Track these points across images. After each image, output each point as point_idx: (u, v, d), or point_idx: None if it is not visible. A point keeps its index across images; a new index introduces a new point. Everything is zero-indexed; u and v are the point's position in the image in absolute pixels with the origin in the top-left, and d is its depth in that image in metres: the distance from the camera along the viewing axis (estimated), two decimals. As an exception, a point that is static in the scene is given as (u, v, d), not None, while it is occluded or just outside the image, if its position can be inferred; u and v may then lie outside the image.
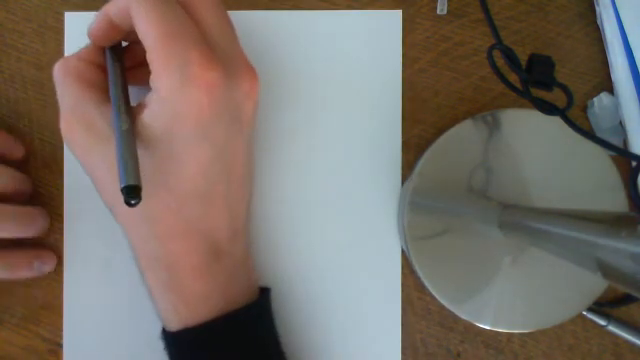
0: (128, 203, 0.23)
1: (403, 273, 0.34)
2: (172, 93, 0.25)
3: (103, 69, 0.29)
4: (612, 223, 0.19)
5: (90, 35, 0.28)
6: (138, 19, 0.25)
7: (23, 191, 0.33)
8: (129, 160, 0.24)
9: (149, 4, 0.25)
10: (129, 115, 0.26)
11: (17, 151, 0.34)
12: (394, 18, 0.35)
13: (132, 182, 0.23)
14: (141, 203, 0.23)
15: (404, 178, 0.34)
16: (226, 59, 0.26)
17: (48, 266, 0.33)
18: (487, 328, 0.32)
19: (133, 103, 0.27)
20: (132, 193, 0.23)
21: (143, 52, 0.26)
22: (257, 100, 0.28)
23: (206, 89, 0.25)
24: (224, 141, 0.27)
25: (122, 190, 0.23)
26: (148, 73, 0.26)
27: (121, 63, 0.29)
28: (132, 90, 0.28)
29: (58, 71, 0.28)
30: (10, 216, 0.31)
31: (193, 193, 0.27)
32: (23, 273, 0.32)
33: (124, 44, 0.30)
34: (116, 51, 0.29)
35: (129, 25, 0.26)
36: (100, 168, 0.27)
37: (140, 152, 0.25)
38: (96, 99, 0.27)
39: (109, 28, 0.27)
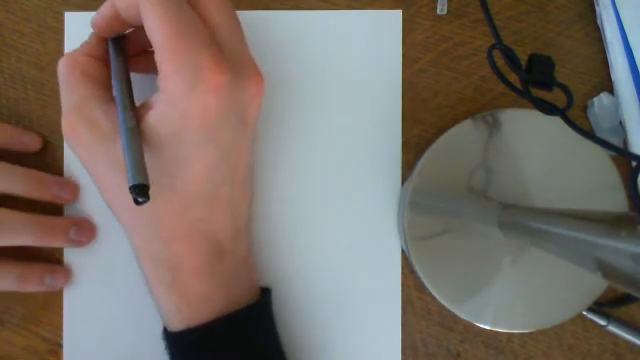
0: (136, 202, 0.23)
1: (403, 273, 0.34)
2: (181, 95, 0.25)
3: (106, 64, 0.29)
4: (612, 223, 0.19)
5: (94, 25, 0.28)
6: (148, 17, 0.25)
7: (45, 191, 0.32)
8: (137, 158, 0.24)
9: (160, 2, 0.25)
10: (134, 114, 0.26)
11: (35, 142, 0.34)
12: (394, 18, 0.35)
13: (141, 181, 0.23)
14: (146, 204, 0.23)
15: (404, 178, 0.34)
16: (234, 61, 0.26)
17: (59, 282, 0.33)
18: (487, 328, 0.32)
19: (136, 102, 0.27)
20: (141, 192, 0.23)
21: (146, 39, 0.26)
22: (261, 102, 0.28)
23: (214, 92, 0.25)
24: (230, 143, 0.27)
25: (131, 189, 0.23)
26: (151, 61, 0.26)
27: (124, 55, 0.29)
28: (135, 88, 0.28)
29: (63, 67, 0.28)
30: (29, 226, 0.31)
31: (198, 195, 0.27)
32: (33, 287, 0.32)
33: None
34: (118, 41, 0.29)
35: (136, 20, 0.26)
36: (103, 168, 0.27)
37: (145, 153, 0.25)
38: (100, 97, 0.27)
39: (114, 20, 0.27)
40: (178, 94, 0.25)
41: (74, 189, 0.33)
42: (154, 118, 0.25)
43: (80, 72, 0.27)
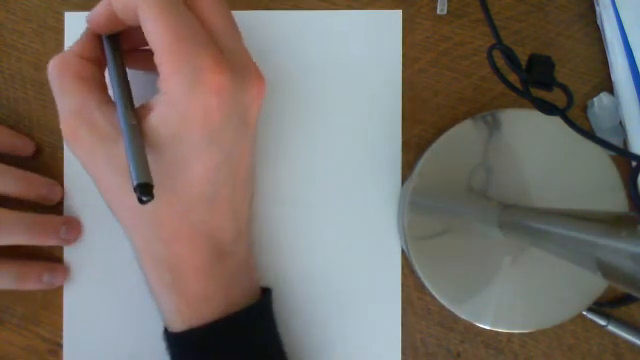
0: (141, 201, 0.23)
1: (403, 273, 0.34)
2: (182, 97, 0.25)
3: (99, 64, 0.28)
4: (612, 223, 0.19)
5: (90, 22, 0.28)
6: (146, 19, 0.25)
7: (36, 193, 0.33)
8: (140, 157, 0.24)
9: (158, 4, 0.25)
10: (134, 113, 0.26)
11: (27, 147, 0.34)
12: (394, 18, 0.35)
13: (145, 180, 0.23)
14: (147, 205, 0.23)
15: (404, 178, 0.34)
16: (234, 61, 0.26)
17: (58, 280, 0.33)
18: (487, 328, 0.32)
19: (135, 103, 0.27)
20: (145, 191, 0.23)
21: (141, 36, 0.25)
22: (262, 103, 0.28)
23: (216, 93, 0.25)
24: (231, 145, 0.27)
25: (135, 188, 0.23)
26: (147, 58, 0.25)
27: (120, 53, 0.28)
28: (133, 89, 0.28)
29: (54, 69, 0.27)
30: (22, 225, 0.31)
31: (199, 197, 0.27)
32: (31, 285, 0.32)
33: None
34: (113, 38, 0.28)
35: (134, 21, 0.26)
36: (104, 170, 0.27)
37: (147, 155, 0.25)
38: (98, 99, 0.27)
39: (111, 19, 0.27)
40: (179, 96, 0.25)
41: (61, 190, 0.34)
42: (155, 120, 0.25)
43: (72, 75, 0.27)
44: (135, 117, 0.25)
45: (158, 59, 0.25)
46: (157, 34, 0.25)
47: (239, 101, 0.26)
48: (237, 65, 0.26)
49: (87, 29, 0.28)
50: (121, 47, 0.29)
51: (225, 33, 0.27)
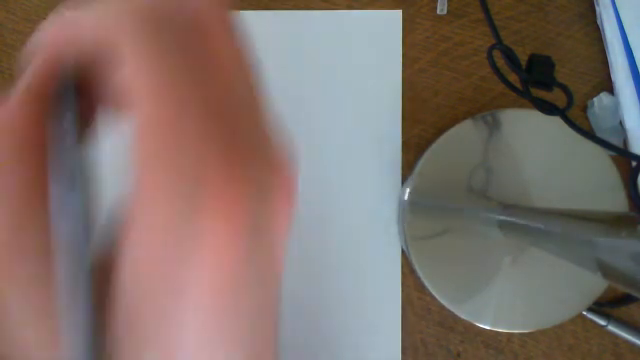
0: None
1: (403, 273, 0.34)
2: (169, 244, 0.12)
3: (34, 141, 0.13)
4: (612, 223, 0.19)
5: (40, 49, 0.14)
6: (128, 62, 0.12)
7: None
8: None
9: (151, 42, 0.12)
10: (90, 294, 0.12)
11: None
12: (394, 18, 0.35)
13: None
14: None
15: (404, 178, 0.34)
16: (254, 148, 0.13)
17: None
18: (487, 328, 0.32)
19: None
20: None
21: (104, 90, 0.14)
22: (292, 218, 0.14)
23: (229, 240, 0.12)
24: (250, 326, 0.14)
25: None
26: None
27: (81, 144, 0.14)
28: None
29: None
30: None
31: None
32: None
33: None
34: (68, 99, 0.14)
35: (102, 60, 0.13)
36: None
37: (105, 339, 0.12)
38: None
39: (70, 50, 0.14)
40: (160, 241, 0.12)
41: None
42: (122, 279, 0.12)
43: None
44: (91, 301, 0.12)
45: (134, 143, 0.12)
46: (140, 92, 0.12)
47: (260, 231, 0.13)
48: (258, 157, 0.13)
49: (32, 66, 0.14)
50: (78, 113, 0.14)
51: (242, 92, 0.14)
